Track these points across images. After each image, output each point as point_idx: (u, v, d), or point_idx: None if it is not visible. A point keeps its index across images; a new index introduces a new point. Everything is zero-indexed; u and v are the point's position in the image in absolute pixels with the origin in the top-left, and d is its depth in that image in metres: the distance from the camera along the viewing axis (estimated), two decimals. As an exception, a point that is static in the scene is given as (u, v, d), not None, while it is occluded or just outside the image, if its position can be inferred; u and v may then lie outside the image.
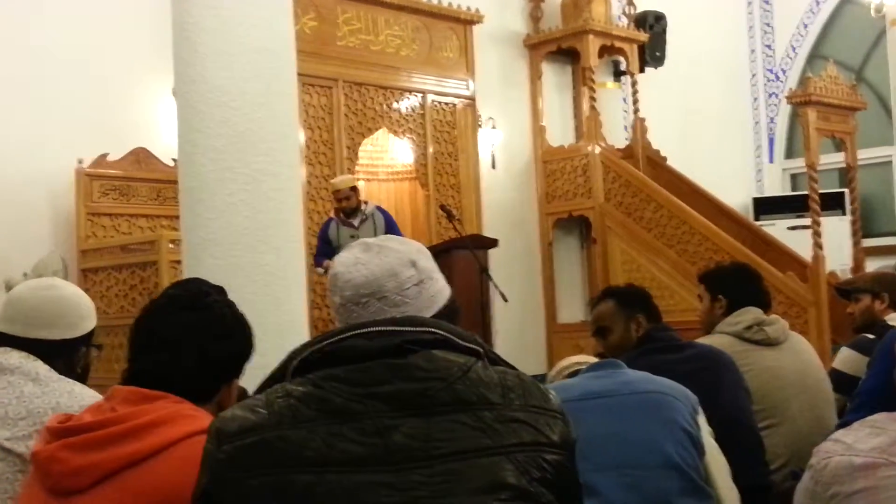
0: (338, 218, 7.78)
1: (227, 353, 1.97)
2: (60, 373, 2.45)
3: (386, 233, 6.71)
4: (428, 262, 1.65)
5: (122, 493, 1.73)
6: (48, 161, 7.17)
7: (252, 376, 3.78)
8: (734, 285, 3.78)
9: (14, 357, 2.42)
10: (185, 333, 1.93)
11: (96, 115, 7.40)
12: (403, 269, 1.60)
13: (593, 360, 2.88)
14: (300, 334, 4.15)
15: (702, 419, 2.59)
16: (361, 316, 1.56)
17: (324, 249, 7.55)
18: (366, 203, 7.83)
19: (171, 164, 6.94)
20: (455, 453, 1.40)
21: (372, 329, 1.50)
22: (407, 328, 1.50)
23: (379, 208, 7.86)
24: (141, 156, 7.58)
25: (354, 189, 7.72)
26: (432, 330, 1.51)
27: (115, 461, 1.75)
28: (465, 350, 1.51)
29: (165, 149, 7.23)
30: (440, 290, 1.65)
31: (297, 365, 1.52)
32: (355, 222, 7.61)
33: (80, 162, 7.22)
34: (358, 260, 1.61)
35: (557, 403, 1.54)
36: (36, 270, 6.47)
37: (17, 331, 2.48)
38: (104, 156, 7.37)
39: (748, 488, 2.69)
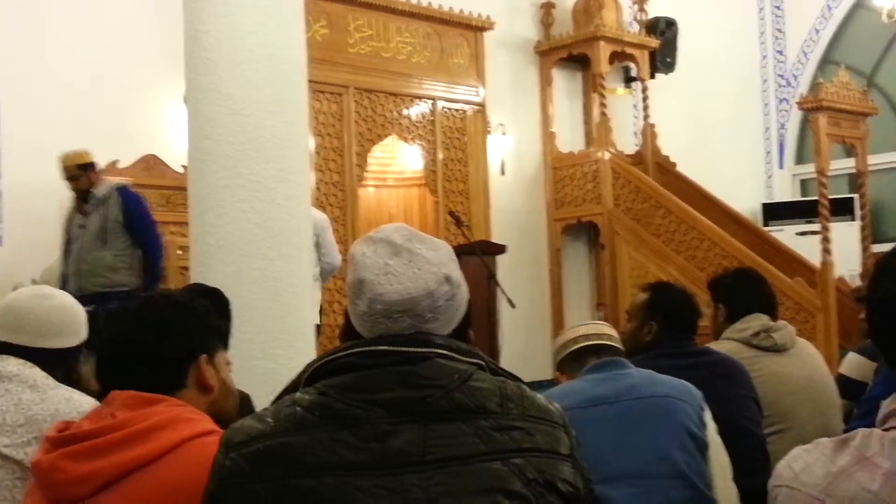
0: (74, 204, 6.29)
1: (169, 344, 1.92)
2: (59, 380, 2.47)
3: (126, 222, 6.05)
4: (456, 269, 1.61)
5: (126, 498, 1.73)
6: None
7: (261, 381, 3.82)
8: (732, 293, 3.78)
9: (12, 364, 2.43)
10: (124, 340, 1.93)
11: (106, 121, 7.43)
12: (439, 286, 1.56)
13: (602, 327, 2.84)
14: (309, 341, 4.15)
15: (707, 416, 2.59)
16: (389, 329, 1.54)
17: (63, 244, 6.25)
18: (103, 182, 6.21)
19: (181, 170, 6.97)
20: (451, 458, 1.42)
21: (378, 348, 1.51)
22: (412, 349, 1.51)
23: (122, 189, 6.22)
24: (151, 162, 7.62)
25: (86, 168, 6.14)
26: (436, 350, 1.52)
27: (118, 467, 1.75)
28: (466, 363, 1.53)
29: (175, 155, 7.27)
30: (464, 296, 1.63)
31: (309, 376, 1.55)
32: (89, 209, 6.12)
33: (92, 168, 7.26)
34: (388, 269, 1.55)
35: (559, 414, 1.56)
36: (45, 276, 6.49)
37: (22, 340, 2.49)
38: (114, 162, 7.39)
39: (752, 494, 2.69)
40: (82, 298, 4.64)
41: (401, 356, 1.50)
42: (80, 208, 6.18)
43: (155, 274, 6.26)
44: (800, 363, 3.65)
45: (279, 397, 1.56)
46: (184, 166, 5.59)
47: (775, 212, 12.17)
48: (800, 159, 13.16)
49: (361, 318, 1.57)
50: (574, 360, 2.75)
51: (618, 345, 2.78)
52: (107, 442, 1.78)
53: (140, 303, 2.00)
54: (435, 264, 1.57)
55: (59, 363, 2.53)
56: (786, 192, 13.13)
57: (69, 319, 2.58)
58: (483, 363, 1.55)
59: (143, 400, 1.85)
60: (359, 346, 1.53)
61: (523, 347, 9.21)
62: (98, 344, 1.99)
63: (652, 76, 11.10)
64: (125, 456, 1.76)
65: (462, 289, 1.62)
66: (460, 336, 1.61)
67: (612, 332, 2.83)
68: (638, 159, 10.87)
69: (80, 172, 6.12)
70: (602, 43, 10.31)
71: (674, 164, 11.04)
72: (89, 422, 1.86)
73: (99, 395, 1.96)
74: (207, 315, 2.01)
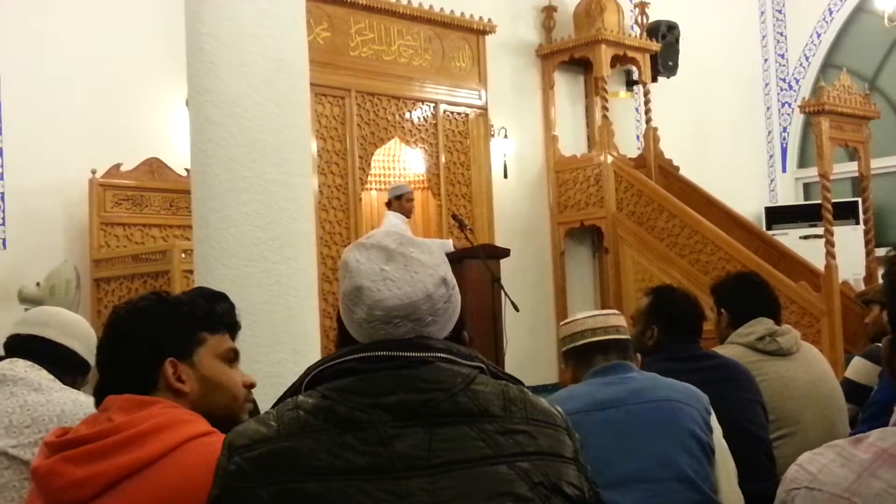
0: None
1: (125, 350, 1.92)
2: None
3: None
4: (449, 271, 1.61)
5: (126, 501, 1.73)
6: (62, 171, 7.20)
7: (265, 385, 3.80)
8: (734, 298, 3.76)
9: (19, 367, 2.45)
10: (100, 353, 1.96)
11: (110, 125, 7.44)
12: (436, 289, 1.55)
13: (609, 318, 2.79)
14: (312, 344, 4.15)
15: (713, 420, 2.58)
16: (390, 334, 1.53)
17: None
18: None
19: (184, 174, 6.97)
20: (456, 462, 1.41)
21: (378, 353, 1.51)
22: (413, 353, 1.51)
23: None
24: (154, 166, 7.61)
25: None
26: (437, 354, 1.51)
27: (117, 470, 1.74)
28: (468, 367, 1.52)
29: (178, 159, 7.26)
30: (458, 297, 1.63)
31: (310, 380, 1.54)
32: None
33: (94, 172, 7.25)
34: (385, 274, 1.54)
35: (562, 417, 1.55)
36: (49, 280, 6.50)
37: (49, 334, 2.55)
38: (117, 166, 7.40)
39: (757, 499, 2.69)
40: None
41: (402, 360, 1.49)
42: None
43: None
44: (805, 367, 3.64)
45: (279, 401, 1.55)
46: (187, 169, 5.59)
47: (778, 216, 12.17)
48: (802, 163, 13.15)
49: (360, 325, 1.55)
50: (580, 356, 2.72)
51: (625, 336, 2.74)
52: (106, 445, 1.77)
53: (114, 310, 2.01)
54: (430, 267, 1.57)
55: (72, 369, 2.54)
56: (789, 195, 13.12)
57: (92, 337, 2.60)
58: (484, 366, 1.55)
59: (138, 403, 1.84)
60: (359, 352, 1.52)
61: (527, 351, 9.19)
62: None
63: (654, 80, 11.11)
64: (124, 459, 1.75)
65: (456, 290, 1.62)
66: (456, 338, 1.61)
67: (620, 321, 2.78)
68: (640, 163, 10.87)
69: None
70: (603, 46, 10.31)
71: (676, 168, 11.03)
72: (86, 426, 1.86)
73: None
74: (176, 316, 1.96)
